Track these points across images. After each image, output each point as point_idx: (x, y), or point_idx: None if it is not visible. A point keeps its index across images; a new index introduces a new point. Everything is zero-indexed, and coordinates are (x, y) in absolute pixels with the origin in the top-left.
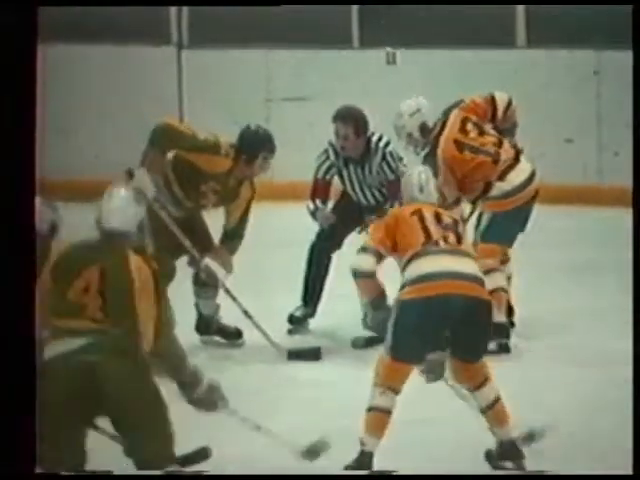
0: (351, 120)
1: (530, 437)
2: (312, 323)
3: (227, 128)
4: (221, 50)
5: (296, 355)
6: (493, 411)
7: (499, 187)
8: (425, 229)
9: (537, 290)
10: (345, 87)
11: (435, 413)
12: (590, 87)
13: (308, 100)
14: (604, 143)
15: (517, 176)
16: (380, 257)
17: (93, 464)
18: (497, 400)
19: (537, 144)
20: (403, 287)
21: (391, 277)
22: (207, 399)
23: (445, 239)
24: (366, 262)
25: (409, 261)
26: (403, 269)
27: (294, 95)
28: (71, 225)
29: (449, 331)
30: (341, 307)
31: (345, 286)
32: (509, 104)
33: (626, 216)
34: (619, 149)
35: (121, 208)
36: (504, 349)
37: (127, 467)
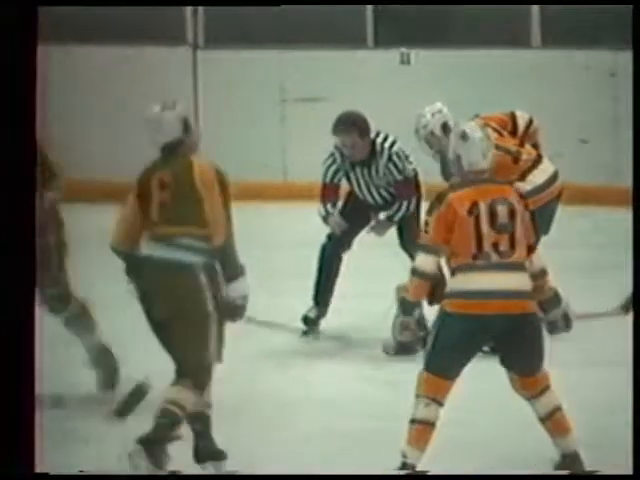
0: (353, 126)
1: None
2: (323, 323)
3: (241, 128)
4: (236, 51)
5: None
6: (551, 421)
7: (519, 187)
8: (478, 234)
9: None
10: (359, 87)
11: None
12: (606, 88)
13: (322, 100)
14: (621, 144)
15: (538, 176)
16: (441, 255)
17: (93, 464)
18: (556, 410)
19: (553, 145)
20: (448, 296)
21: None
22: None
23: (496, 247)
24: (429, 265)
25: (456, 270)
26: (451, 274)
27: (308, 95)
28: (72, 225)
29: (498, 349)
30: (351, 307)
31: (355, 286)
32: (530, 122)
33: None
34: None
35: (161, 119)
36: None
37: (126, 467)
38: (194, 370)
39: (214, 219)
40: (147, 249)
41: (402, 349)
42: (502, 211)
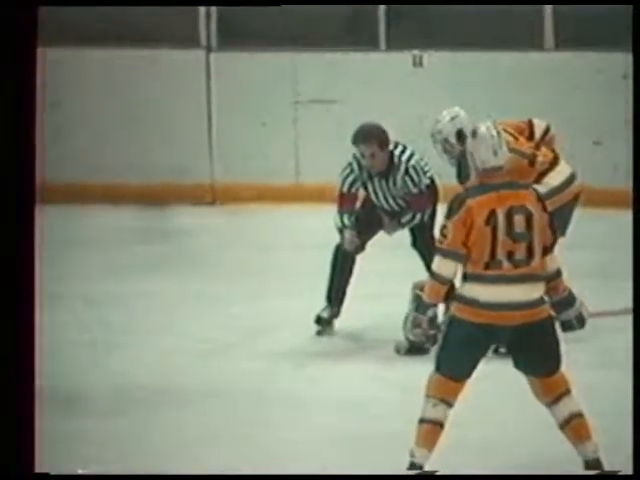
0: (373, 138)
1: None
2: (336, 324)
3: (254, 130)
4: (249, 53)
5: None
6: (569, 427)
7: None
8: (494, 244)
9: None
10: (372, 89)
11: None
12: (619, 89)
13: (335, 102)
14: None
15: (554, 178)
16: (458, 260)
17: (93, 464)
18: (574, 417)
19: (566, 147)
20: (457, 299)
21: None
22: None
23: (512, 255)
24: (446, 269)
25: (467, 276)
26: (462, 278)
27: (321, 97)
28: (74, 225)
29: (511, 352)
30: (365, 308)
31: (369, 287)
32: (547, 129)
33: None
34: None
35: None
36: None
37: (126, 468)
38: None
39: None
40: None
41: (414, 349)
42: (519, 220)
